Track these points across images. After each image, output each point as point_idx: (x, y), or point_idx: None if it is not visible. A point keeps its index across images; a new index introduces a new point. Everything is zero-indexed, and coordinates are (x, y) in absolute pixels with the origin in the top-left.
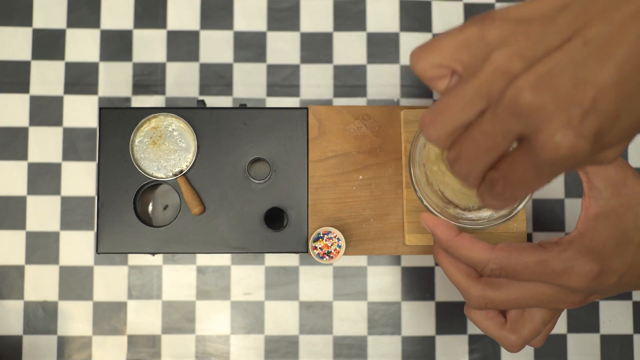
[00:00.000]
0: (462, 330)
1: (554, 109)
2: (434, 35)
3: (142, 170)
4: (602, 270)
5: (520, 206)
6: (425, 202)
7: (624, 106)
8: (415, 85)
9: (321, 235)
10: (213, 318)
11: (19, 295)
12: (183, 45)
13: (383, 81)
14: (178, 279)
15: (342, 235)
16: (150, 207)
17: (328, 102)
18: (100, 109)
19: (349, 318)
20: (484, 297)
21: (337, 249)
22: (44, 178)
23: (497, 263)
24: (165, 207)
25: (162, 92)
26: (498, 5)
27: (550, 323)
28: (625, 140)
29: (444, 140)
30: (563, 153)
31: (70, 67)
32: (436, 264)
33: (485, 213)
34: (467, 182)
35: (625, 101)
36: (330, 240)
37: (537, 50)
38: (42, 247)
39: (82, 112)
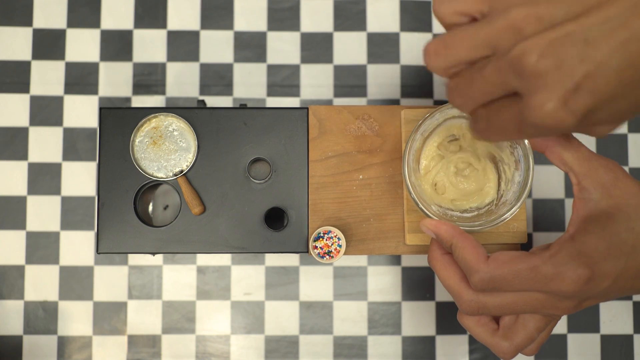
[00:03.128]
0: (462, 330)
1: (553, 78)
2: (435, 36)
3: (142, 170)
4: (594, 274)
5: (515, 207)
6: (420, 205)
7: (622, 91)
8: (416, 85)
9: (321, 235)
10: (213, 318)
11: (19, 295)
12: (183, 45)
13: (383, 81)
14: (178, 279)
15: (342, 235)
16: (150, 207)
17: (328, 102)
18: (101, 109)
19: (349, 318)
20: (476, 301)
21: (338, 248)
22: (44, 178)
23: (487, 273)
24: (166, 207)
25: (163, 92)
26: None
27: (545, 331)
28: (616, 122)
29: (442, 71)
30: (548, 122)
31: (71, 67)
32: None
33: (479, 220)
34: (460, 109)
35: (625, 87)
36: (331, 239)
37: (554, 16)
38: (42, 247)
39: (82, 112)
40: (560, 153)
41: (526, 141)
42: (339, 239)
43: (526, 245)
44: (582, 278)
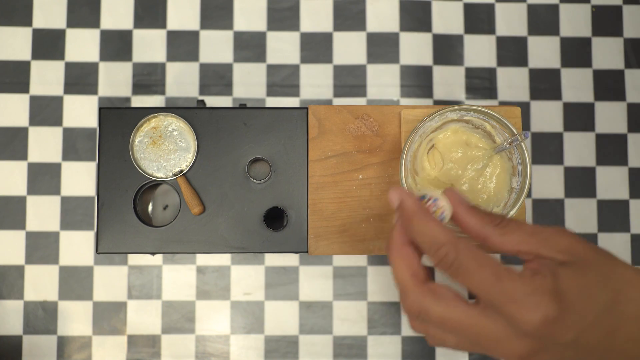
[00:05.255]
0: None
1: None
2: (434, 35)
3: (142, 170)
4: (561, 315)
5: (512, 212)
6: None
7: None
8: (415, 85)
9: (427, 198)
10: (213, 318)
11: (19, 295)
12: (183, 45)
13: (383, 81)
14: (178, 279)
15: (449, 208)
16: (150, 207)
17: (328, 102)
18: (100, 109)
19: (349, 318)
20: (419, 303)
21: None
22: (44, 178)
23: (455, 249)
24: (165, 207)
25: (162, 92)
26: (498, 5)
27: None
28: None
29: None
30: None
31: (70, 67)
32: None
33: None
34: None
35: None
36: (435, 205)
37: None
38: (42, 247)
39: (82, 112)
40: (501, 243)
41: (524, 146)
42: (443, 212)
43: None
44: (548, 313)
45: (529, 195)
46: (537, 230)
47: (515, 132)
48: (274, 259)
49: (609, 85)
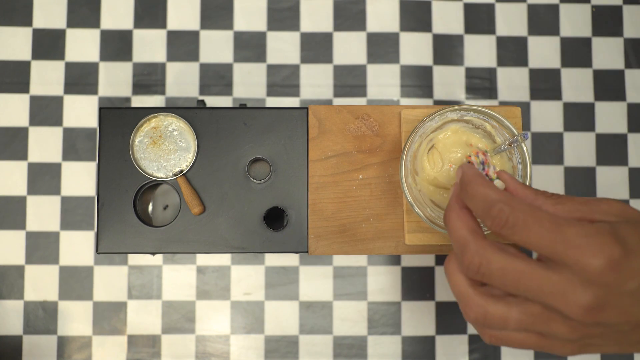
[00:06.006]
0: (462, 330)
1: None
2: (434, 35)
3: (142, 170)
4: (625, 257)
5: None
6: (416, 209)
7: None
8: (415, 85)
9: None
10: (213, 318)
11: (19, 295)
12: (183, 45)
13: (383, 81)
14: (178, 279)
15: (501, 183)
16: (150, 207)
17: (328, 102)
18: (100, 109)
19: (349, 318)
20: (480, 254)
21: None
22: (44, 178)
23: (510, 205)
24: (165, 207)
25: (162, 92)
26: (498, 5)
27: (524, 339)
28: None
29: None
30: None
31: (70, 67)
32: (437, 264)
33: None
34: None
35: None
36: (489, 171)
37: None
38: (42, 247)
39: (82, 112)
40: (554, 211)
41: (524, 147)
42: (496, 176)
43: None
44: (615, 255)
45: None
46: (589, 200)
47: (516, 133)
48: (274, 259)
49: (609, 85)
